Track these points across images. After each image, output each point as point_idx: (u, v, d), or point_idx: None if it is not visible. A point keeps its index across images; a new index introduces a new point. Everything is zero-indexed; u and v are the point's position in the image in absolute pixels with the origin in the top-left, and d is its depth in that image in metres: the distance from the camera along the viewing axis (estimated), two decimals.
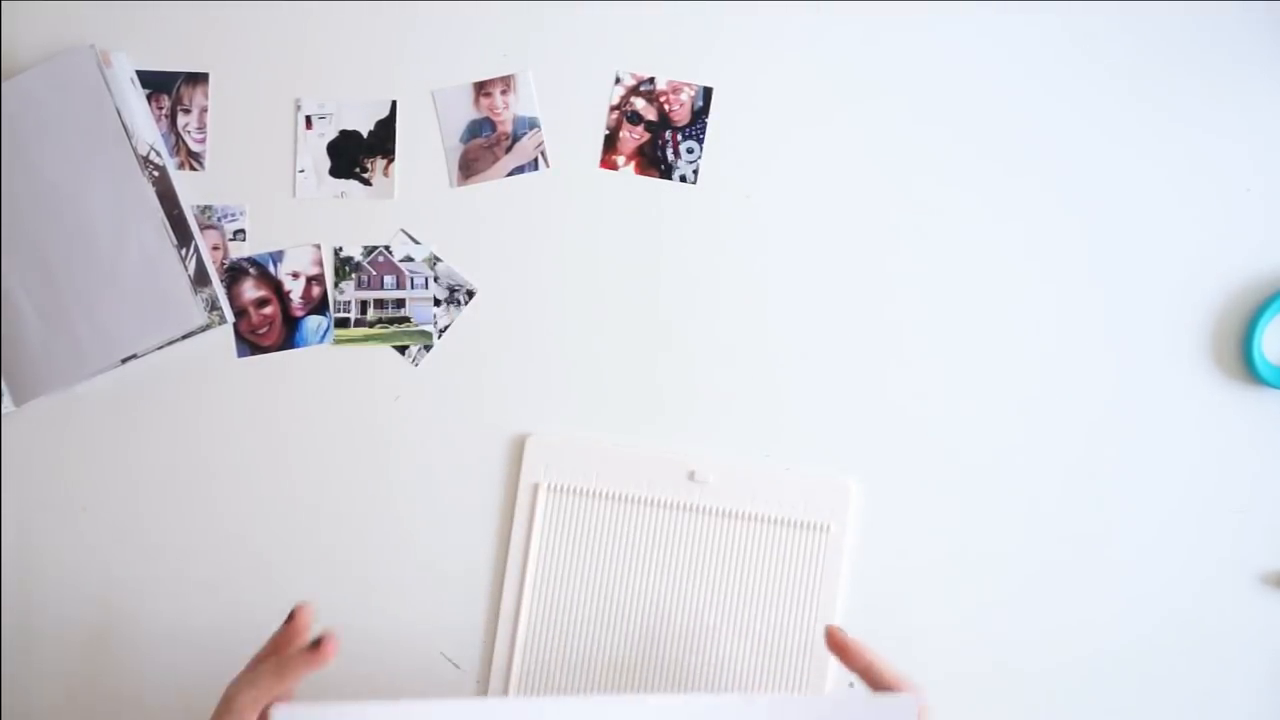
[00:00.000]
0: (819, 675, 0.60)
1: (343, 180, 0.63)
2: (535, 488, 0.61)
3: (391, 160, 0.63)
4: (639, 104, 0.62)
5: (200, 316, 0.61)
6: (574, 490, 0.61)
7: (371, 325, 0.63)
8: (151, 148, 0.62)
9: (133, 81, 0.63)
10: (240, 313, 0.63)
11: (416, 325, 0.63)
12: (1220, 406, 0.60)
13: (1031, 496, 0.61)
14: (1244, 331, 0.60)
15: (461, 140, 0.63)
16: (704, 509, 0.61)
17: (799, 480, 0.61)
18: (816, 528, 0.60)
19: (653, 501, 0.61)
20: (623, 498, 0.61)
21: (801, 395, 0.61)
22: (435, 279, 0.63)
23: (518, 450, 0.62)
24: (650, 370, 0.62)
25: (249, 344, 0.63)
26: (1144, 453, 0.60)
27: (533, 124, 0.62)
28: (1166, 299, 0.61)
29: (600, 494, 0.61)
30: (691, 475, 0.61)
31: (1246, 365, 0.60)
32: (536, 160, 0.63)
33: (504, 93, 0.63)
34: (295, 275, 0.63)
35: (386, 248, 0.63)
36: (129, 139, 0.61)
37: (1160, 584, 0.60)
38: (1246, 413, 0.60)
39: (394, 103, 0.63)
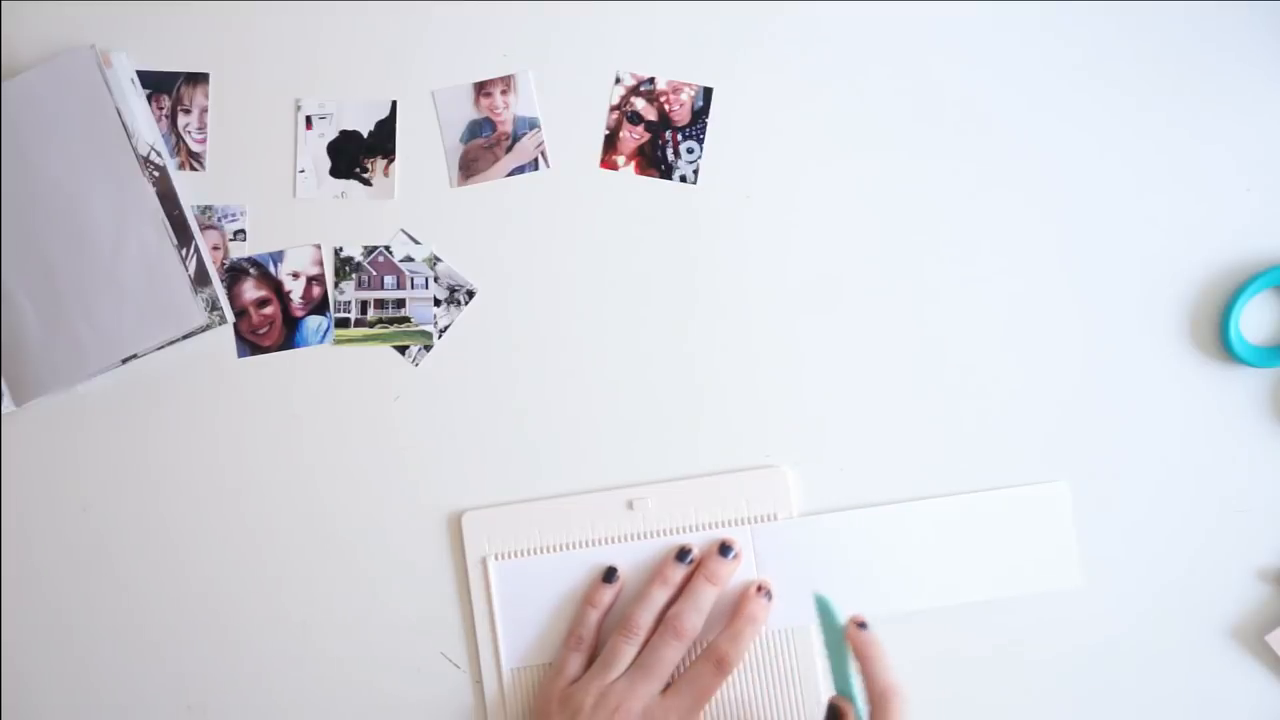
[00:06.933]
0: (799, 657, 0.60)
1: (343, 180, 0.63)
2: (483, 560, 0.61)
3: (391, 160, 0.63)
4: (639, 104, 0.62)
5: (200, 316, 0.61)
6: (519, 553, 0.61)
7: (371, 325, 0.63)
8: (152, 148, 0.62)
9: (133, 81, 0.63)
10: (240, 313, 0.63)
11: (416, 325, 0.63)
12: (1198, 385, 0.60)
13: (1009, 476, 0.61)
14: (1221, 312, 0.60)
15: (461, 140, 0.63)
16: (649, 533, 0.61)
17: (735, 481, 0.61)
18: (764, 519, 0.60)
19: (596, 541, 0.61)
20: (566, 545, 0.61)
21: (803, 398, 0.62)
22: (435, 279, 0.63)
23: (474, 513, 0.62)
24: (650, 375, 0.62)
25: (249, 344, 0.63)
26: (1119, 435, 0.61)
27: (533, 124, 0.62)
28: (1143, 285, 0.61)
29: (545, 548, 0.61)
30: (630, 504, 0.61)
31: (1224, 345, 0.60)
32: (536, 160, 0.63)
33: (504, 93, 0.63)
34: (295, 275, 0.63)
35: (386, 248, 0.63)
36: (129, 139, 0.61)
37: (1137, 568, 0.60)
38: (1223, 392, 0.60)
39: (394, 103, 0.63)
